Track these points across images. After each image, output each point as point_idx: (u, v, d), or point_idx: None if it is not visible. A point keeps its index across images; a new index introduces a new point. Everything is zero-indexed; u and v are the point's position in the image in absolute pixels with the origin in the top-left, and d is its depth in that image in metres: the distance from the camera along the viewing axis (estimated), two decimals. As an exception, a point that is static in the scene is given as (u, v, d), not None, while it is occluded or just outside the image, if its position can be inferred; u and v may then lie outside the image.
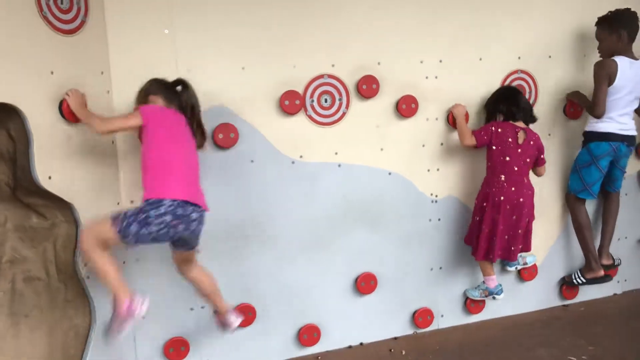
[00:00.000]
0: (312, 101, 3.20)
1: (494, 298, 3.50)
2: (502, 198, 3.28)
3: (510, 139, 3.29)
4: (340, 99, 3.25)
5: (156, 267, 3.03)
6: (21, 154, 2.61)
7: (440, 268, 3.56)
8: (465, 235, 3.51)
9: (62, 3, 2.59)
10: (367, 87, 3.25)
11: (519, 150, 3.30)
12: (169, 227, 2.52)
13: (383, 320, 3.50)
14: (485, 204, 3.33)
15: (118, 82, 2.88)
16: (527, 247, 3.46)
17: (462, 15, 3.42)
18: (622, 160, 3.54)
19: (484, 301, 3.65)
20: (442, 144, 3.46)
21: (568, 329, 3.56)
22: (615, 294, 4.02)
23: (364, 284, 3.38)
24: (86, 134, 2.71)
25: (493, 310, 3.71)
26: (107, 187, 2.87)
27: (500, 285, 3.49)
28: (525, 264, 3.66)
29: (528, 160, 3.34)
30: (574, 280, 3.75)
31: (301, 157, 3.23)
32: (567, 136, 3.74)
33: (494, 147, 3.32)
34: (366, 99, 3.28)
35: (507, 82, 3.55)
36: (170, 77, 2.94)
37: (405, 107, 3.32)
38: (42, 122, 2.50)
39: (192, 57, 2.98)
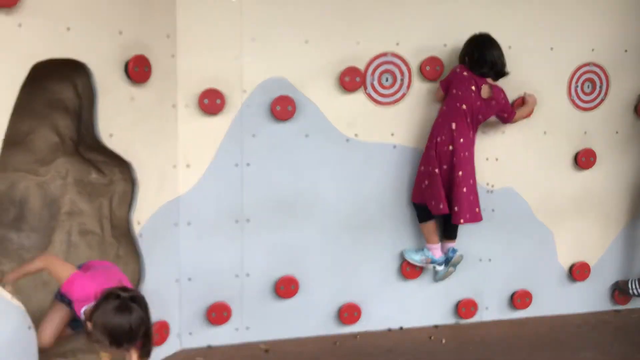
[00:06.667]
0: (373, 79, 3.16)
1: (434, 268, 3.31)
2: (450, 148, 3.06)
3: (473, 87, 3.05)
4: (401, 79, 3.19)
5: (208, 230, 3.08)
6: (86, 110, 2.69)
7: (490, 260, 3.49)
8: (412, 194, 3.26)
9: (134, -36, 2.62)
10: (431, 69, 3.18)
11: (479, 103, 3.07)
12: None
13: (425, 307, 3.46)
14: (433, 153, 3.09)
15: (183, 47, 2.90)
16: (476, 216, 3.15)
17: (535, 1, 3.30)
18: None
19: (530, 297, 3.55)
20: (503, 132, 3.37)
21: (617, 334, 3.44)
22: (671, 304, 3.85)
23: (409, 269, 3.35)
24: (149, 96, 2.76)
25: (540, 307, 3.61)
26: (165, 149, 2.92)
27: (445, 256, 3.30)
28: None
29: (481, 117, 3.11)
30: (630, 290, 3.58)
31: (356, 135, 3.21)
32: (635, 136, 3.58)
33: (454, 91, 3.05)
34: (429, 81, 3.22)
35: (577, 75, 3.43)
36: (234, 45, 2.96)
37: (468, 93, 3.25)
38: (107, 81, 2.56)
39: (258, 26, 2.98)
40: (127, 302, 2.16)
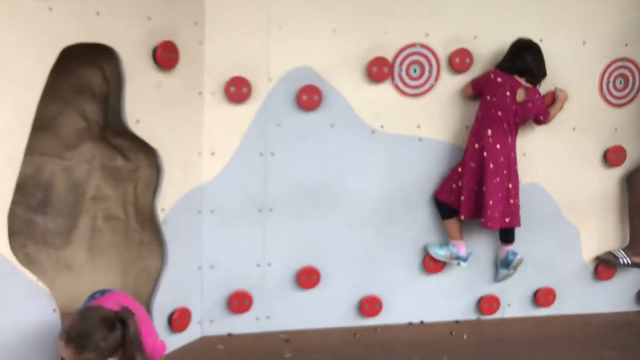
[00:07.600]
0: (401, 70, 3.12)
1: (458, 264, 3.27)
2: (484, 154, 3.07)
3: (508, 93, 3.04)
4: (430, 71, 3.15)
5: (231, 219, 3.07)
6: (113, 95, 2.69)
7: (514, 256, 3.45)
8: (438, 190, 3.25)
9: (164, -51, 2.61)
10: (460, 61, 3.13)
11: (514, 107, 3.06)
12: None
13: (447, 301, 3.43)
14: (469, 160, 3.11)
15: (211, 34, 2.89)
16: (514, 220, 3.18)
17: (568, -7, 3.25)
18: None
19: (554, 295, 3.50)
20: (532, 127, 3.31)
21: (642, 335, 3.39)
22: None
23: (432, 263, 3.32)
24: (176, 83, 2.75)
25: (563, 306, 3.56)
26: (190, 137, 2.91)
27: (471, 253, 3.29)
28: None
29: (518, 120, 3.10)
30: (621, 260, 3.45)
31: (382, 127, 3.17)
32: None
33: (488, 97, 3.06)
34: (457, 73, 3.17)
35: (609, 70, 3.36)
36: (261, 33, 2.94)
37: (497, 86, 3.20)
38: (135, 66, 2.56)
39: (285, 14, 2.96)
40: (115, 318, 1.96)
